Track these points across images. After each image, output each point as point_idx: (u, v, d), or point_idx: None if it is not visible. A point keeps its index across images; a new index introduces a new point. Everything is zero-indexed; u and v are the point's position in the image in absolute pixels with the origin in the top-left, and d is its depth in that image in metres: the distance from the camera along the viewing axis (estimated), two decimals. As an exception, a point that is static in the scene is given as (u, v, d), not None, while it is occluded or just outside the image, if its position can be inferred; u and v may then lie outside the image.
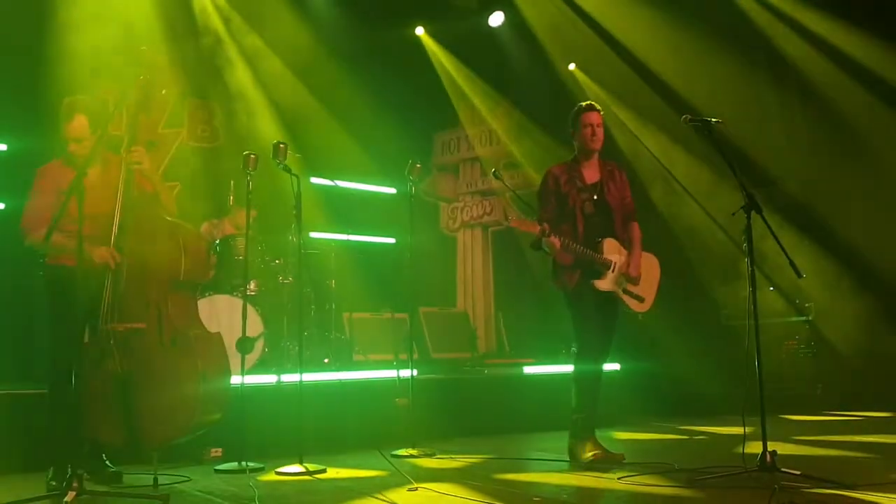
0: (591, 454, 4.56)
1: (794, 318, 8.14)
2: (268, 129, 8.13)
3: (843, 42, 8.07)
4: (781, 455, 3.90)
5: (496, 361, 8.85)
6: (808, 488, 3.58)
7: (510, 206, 10.22)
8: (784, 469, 3.80)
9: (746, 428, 4.09)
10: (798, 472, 3.77)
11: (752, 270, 4.05)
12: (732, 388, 7.11)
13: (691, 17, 8.37)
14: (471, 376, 7.34)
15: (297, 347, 5.29)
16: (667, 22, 8.31)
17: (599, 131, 4.83)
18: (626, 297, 4.79)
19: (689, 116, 4.45)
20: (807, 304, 8.12)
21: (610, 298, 4.76)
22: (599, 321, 4.75)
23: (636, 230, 4.93)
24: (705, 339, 8.02)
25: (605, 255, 4.71)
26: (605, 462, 4.51)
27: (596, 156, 4.88)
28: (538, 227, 4.46)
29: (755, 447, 3.93)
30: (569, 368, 7.35)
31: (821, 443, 5.45)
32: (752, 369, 4.00)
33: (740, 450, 4.01)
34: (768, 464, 3.83)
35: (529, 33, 9.31)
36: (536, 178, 9.69)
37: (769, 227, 4.10)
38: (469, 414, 6.35)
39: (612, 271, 4.72)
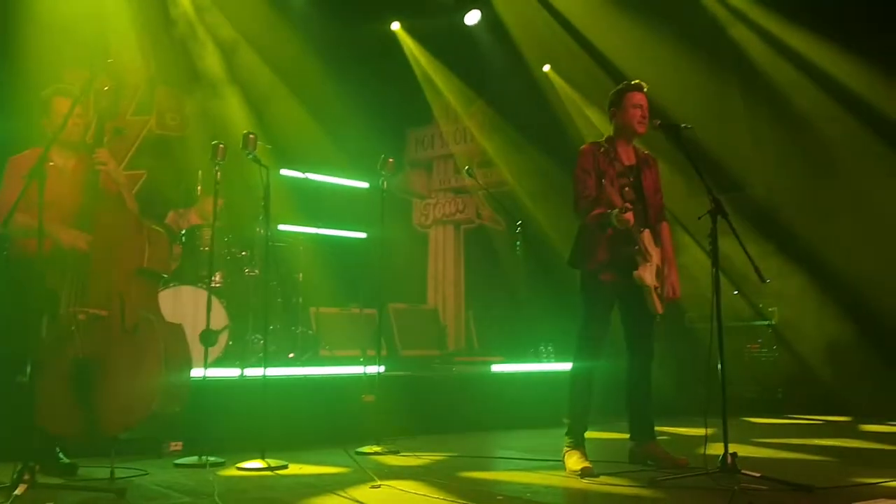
0: (579, 467, 4.21)
1: (757, 322, 8.25)
2: (238, 119, 8.07)
3: (810, 51, 8.19)
4: (742, 457, 3.93)
5: (465, 359, 8.87)
6: (767, 490, 3.62)
7: (483, 205, 10.25)
8: (744, 471, 3.84)
9: (708, 429, 4.13)
10: (758, 475, 3.81)
11: (717, 273, 4.08)
12: (695, 390, 7.20)
13: (664, 23, 8.46)
14: (439, 374, 7.35)
15: (261, 341, 5.24)
16: (640, 26, 8.38)
17: (647, 114, 4.53)
18: (654, 296, 4.43)
19: (659, 121, 4.47)
20: (770, 309, 8.23)
21: (637, 292, 4.45)
22: (608, 316, 4.50)
23: (668, 232, 4.64)
24: (669, 340, 8.09)
25: (649, 248, 4.44)
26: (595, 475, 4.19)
27: (634, 140, 4.67)
28: (618, 200, 4.16)
29: (717, 448, 3.97)
30: (538, 367, 7.47)
31: (781, 445, 5.52)
32: (715, 371, 4.04)
33: (702, 451, 4.05)
34: (729, 465, 3.87)
35: (505, 33, 9.34)
36: (509, 177, 9.77)
37: (734, 231, 4.12)
38: (436, 411, 6.33)
39: (651, 264, 4.43)
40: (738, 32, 8.67)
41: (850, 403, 7.49)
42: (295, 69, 8.53)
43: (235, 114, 8.15)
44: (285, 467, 4.48)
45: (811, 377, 7.90)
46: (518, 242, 7.92)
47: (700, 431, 4.11)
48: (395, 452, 5.10)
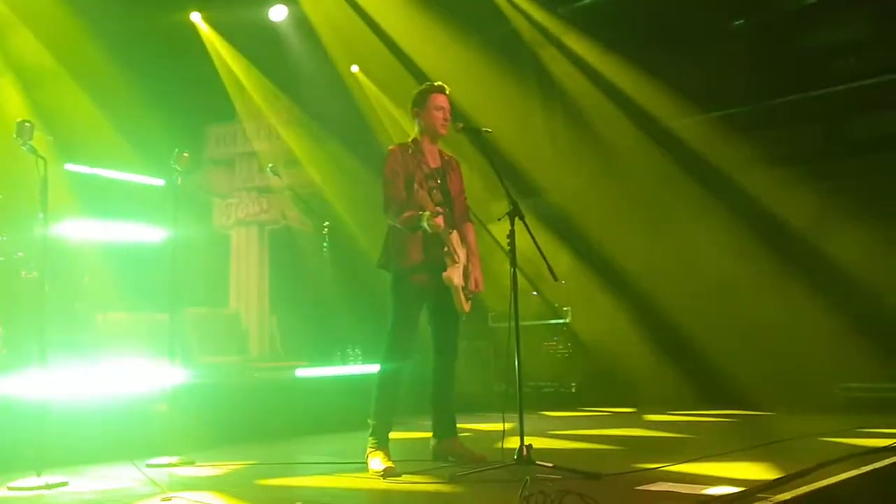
0: (382, 468, 4.20)
1: (554, 321, 8.67)
2: (14, 107, 7.36)
3: (604, 66, 8.74)
4: (537, 449, 4.09)
5: (268, 364, 8.62)
6: (559, 479, 3.78)
7: (289, 205, 10.03)
8: (539, 462, 3.99)
9: (506, 424, 4.25)
10: (551, 465, 3.97)
11: (514, 273, 4.22)
12: (496, 387, 7.44)
13: (469, 29, 8.70)
14: (239, 380, 7.09)
15: (38, 350, 4.78)
16: (446, 32, 8.57)
17: (449, 116, 4.58)
18: (462, 296, 4.47)
19: (462, 124, 4.56)
20: (565, 308, 8.68)
21: (446, 293, 4.46)
22: (419, 317, 4.51)
23: (473, 232, 4.70)
24: (472, 339, 8.34)
25: (457, 250, 4.48)
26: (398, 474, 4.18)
27: (439, 142, 4.69)
28: (430, 205, 4.17)
29: (515, 442, 4.10)
30: (345, 371, 7.39)
31: (574, 437, 5.81)
32: (513, 368, 4.17)
33: (500, 445, 4.16)
34: (524, 457, 4.01)
35: (312, 31, 9.21)
36: (316, 177, 9.63)
37: (531, 233, 4.27)
38: (237, 420, 6.07)
39: (458, 265, 4.45)
40: (535, 40, 9.09)
41: (636, 396, 8.05)
42: (81, 58, 7.91)
43: (10, 101, 7.43)
44: (66, 484, 4.13)
45: (601, 372, 8.42)
46: (325, 244, 7.82)
47: (500, 426, 4.22)
48: (191, 463, 4.84)
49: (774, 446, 4.80)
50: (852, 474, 3.71)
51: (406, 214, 4.37)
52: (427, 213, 4.26)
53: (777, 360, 7.40)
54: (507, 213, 4.26)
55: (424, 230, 4.32)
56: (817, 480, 3.54)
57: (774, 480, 3.55)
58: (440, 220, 4.27)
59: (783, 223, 7.57)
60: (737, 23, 8.39)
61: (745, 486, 3.44)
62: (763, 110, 8.06)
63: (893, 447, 4.43)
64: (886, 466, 3.95)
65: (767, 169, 7.72)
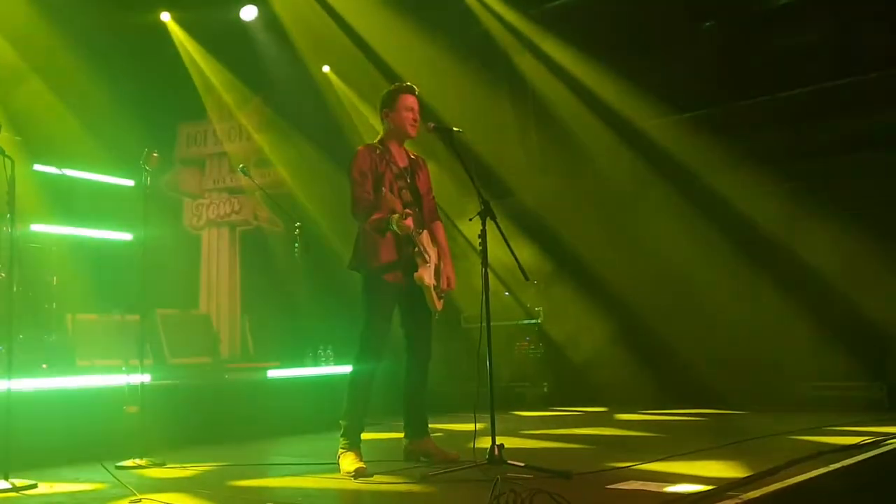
0: (353, 468, 4.18)
1: (526, 321, 8.70)
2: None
3: (575, 68, 8.79)
4: (508, 448, 4.10)
5: (239, 365, 8.57)
6: (530, 478, 3.79)
7: (260, 205, 9.97)
8: (510, 461, 4.01)
9: (478, 424, 4.27)
10: (522, 464, 3.99)
11: (486, 273, 4.22)
12: (468, 387, 7.44)
13: (441, 31, 8.71)
14: (210, 382, 7.04)
15: (5, 351, 4.71)
16: (417, 33, 8.57)
17: (419, 116, 4.60)
18: (434, 295, 4.48)
19: (434, 124, 4.57)
20: (536, 308, 8.71)
21: (418, 293, 4.48)
22: (391, 317, 4.51)
23: (443, 230, 4.73)
24: (444, 340, 8.32)
25: (427, 249, 4.49)
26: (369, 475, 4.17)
27: (406, 142, 4.69)
28: (399, 207, 4.19)
29: (487, 442, 4.11)
30: (316, 371, 7.36)
31: (545, 436, 5.84)
32: (485, 368, 4.18)
33: (471, 445, 4.17)
34: (496, 457, 4.02)
35: (283, 31, 9.17)
36: (287, 178, 9.59)
37: (502, 233, 4.29)
38: (208, 421, 6.03)
39: (429, 264, 4.47)
40: (506, 41, 9.12)
41: (607, 395, 8.11)
42: (50, 58, 7.80)
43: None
44: (34, 486, 4.08)
45: (573, 372, 8.46)
46: (296, 244, 7.78)
47: (472, 426, 4.24)
48: (161, 465, 4.80)
49: (744, 444, 4.85)
50: (821, 471, 3.75)
51: (375, 217, 4.37)
52: (396, 215, 4.26)
53: (747, 359, 7.48)
54: (479, 213, 4.27)
55: (394, 232, 4.33)
56: (787, 478, 3.58)
57: (744, 478, 3.60)
58: (410, 221, 4.29)
59: (753, 224, 7.66)
60: (706, 24, 8.48)
61: (715, 485, 3.48)
62: (732, 111, 8.15)
63: (861, 445, 4.52)
64: (855, 464, 4.01)
65: (737, 170, 7.81)
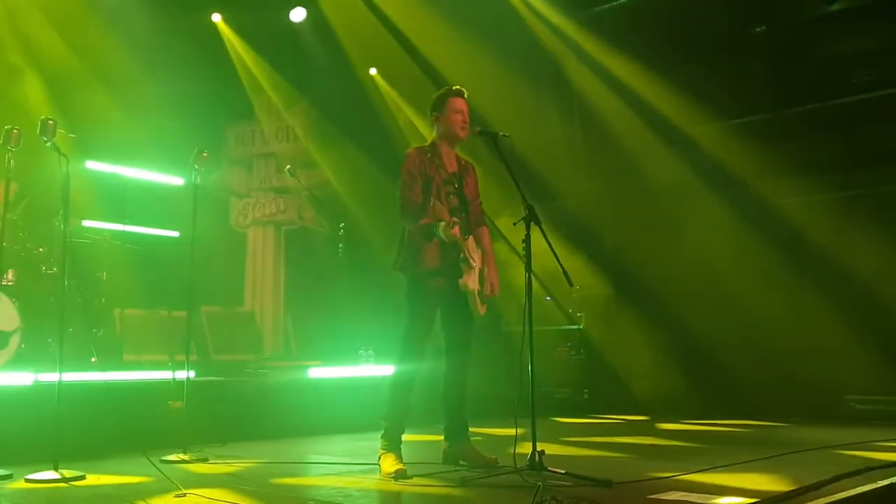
0: (393, 469, 4.20)
1: (567, 327, 8.65)
2: (37, 105, 7.44)
3: (624, 73, 8.72)
4: (549, 455, 4.09)
5: (281, 363, 8.66)
6: (570, 486, 3.78)
7: (305, 206, 10.08)
8: (551, 468, 3.99)
9: (518, 429, 4.26)
10: (563, 471, 3.97)
11: (529, 278, 4.22)
12: (508, 392, 7.42)
13: (487, 34, 8.70)
14: (252, 378, 7.12)
15: (57, 344, 4.84)
16: (464, 36, 8.58)
17: (468, 119, 4.59)
18: (477, 299, 4.49)
19: (480, 128, 4.58)
20: (578, 314, 8.65)
21: (461, 297, 4.48)
22: (433, 320, 4.52)
23: (488, 236, 4.73)
24: (485, 343, 8.32)
25: (472, 255, 4.50)
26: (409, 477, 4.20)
27: (457, 147, 4.71)
28: (446, 216, 4.21)
29: (527, 447, 4.10)
30: (357, 371, 7.41)
31: (585, 443, 5.80)
32: (526, 373, 4.17)
33: (512, 450, 4.16)
34: (536, 463, 4.01)
35: (331, 33, 9.25)
36: (332, 179, 9.68)
37: (546, 238, 4.28)
38: (249, 418, 6.12)
39: (474, 270, 4.47)
40: (552, 45, 9.08)
41: (649, 403, 8.02)
42: (104, 57, 7.99)
43: (36, 101, 7.51)
44: (82, 478, 4.17)
45: (614, 379, 8.39)
46: (340, 245, 7.85)
47: (512, 432, 4.23)
48: (204, 460, 4.87)
49: (788, 457, 4.77)
50: (869, 488, 3.67)
51: (422, 222, 4.39)
52: (443, 223, 4.28)
53: (792, 370, 7.36)
54: (523, 218, 4.27)
55: (440, 238, 4.35)
56: (833, 493, 3.51)
57: (789, 492, 3.54)
58: (456, 230, 4.30)
59: (800, 233, 7.53)
60: (757, 30, 8.35)
61: (758, 497, 3.43)
62: (782, 118, 8.02)
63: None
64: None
65: (785, 178, 7.68)
